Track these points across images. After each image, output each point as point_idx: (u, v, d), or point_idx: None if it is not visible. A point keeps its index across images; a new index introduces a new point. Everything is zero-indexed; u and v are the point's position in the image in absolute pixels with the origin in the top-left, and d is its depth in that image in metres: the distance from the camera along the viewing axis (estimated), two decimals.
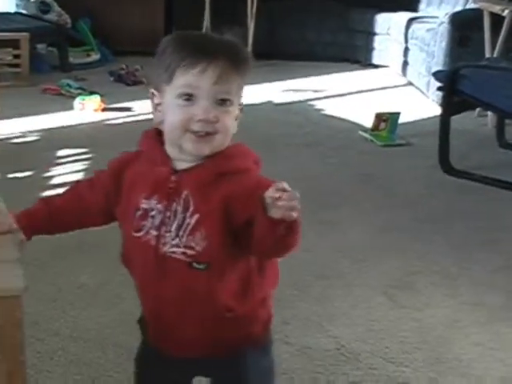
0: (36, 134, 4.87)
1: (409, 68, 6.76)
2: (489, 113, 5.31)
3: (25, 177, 3.99)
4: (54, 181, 3.96)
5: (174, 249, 1.46)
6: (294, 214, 1.31)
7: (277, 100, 6.13)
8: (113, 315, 2.65)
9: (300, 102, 6.13)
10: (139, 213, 1.49)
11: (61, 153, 4.48)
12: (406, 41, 6.73)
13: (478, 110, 5.45)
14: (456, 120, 4.46)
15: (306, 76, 7.00)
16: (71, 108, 5.50)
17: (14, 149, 4.38)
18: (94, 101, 5.52)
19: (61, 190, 1.71)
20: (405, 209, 3.82)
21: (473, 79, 4.21)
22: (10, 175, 3.62)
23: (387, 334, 2.62)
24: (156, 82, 1.49)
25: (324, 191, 4.03)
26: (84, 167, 4.19)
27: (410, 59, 6.71)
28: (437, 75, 4.64)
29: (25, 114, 5.24)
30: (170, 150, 1.49)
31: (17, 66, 6.33)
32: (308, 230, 3.35)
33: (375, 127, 5.05)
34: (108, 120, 5.33)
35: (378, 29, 7.41)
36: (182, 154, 1.47)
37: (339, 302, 2.84)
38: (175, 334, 1.54)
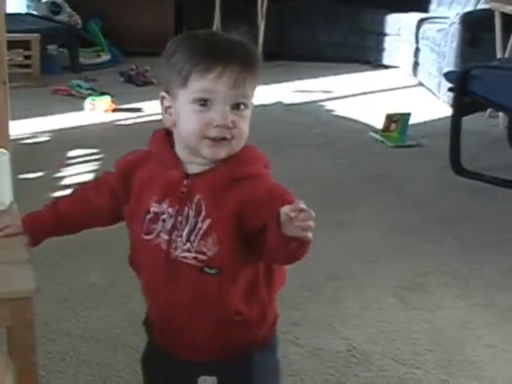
0: (47, 134, 4.89)
1: (419, 68, 6.74)
2: (500, 113, 5.29)
3: (36, 177, 4.00)
4: (65, 181, 3.96)
5: (186, 253, 1.45)
6: (309, 235, 1.31)
7: (287, 101, 6.13)
8: (122, 315, 2.65)
9: (310, 102, 6.13)
10: (149, 216, 1.49)
11: (71, 153, 4.49)
12: (417, 41, 6.72)
13: (489, 110, 5.43)
14: (467, 121, 4.44)
15: (316, 77, 7.00)
16: (82, 109, 5.51)
17: (25, 149, 4.39)
18: (105, 101, 5.53)
19: (71, 191, 1.72)
20: (416, 210, 3.81)
21: (484, 80, 4.20)
22: (21, 176, 3.62)
23: (398, 336, 2.61)
24: (166, 84, 1.47)
25: (335, 192, 4.02)
26: (94, 168, 4.19)
27: (420, 60, 6.70)
28: (448, 76, 4.63)
29: (35, 115, 5.26)
30: (180, 152, 1.48)
31: (28, 66, 6.35)
32: (319, 230, 3.32)
33: (386, 128, 5.04)
34: (118, 120, 5.34)
35: (388, 29, 7.40)
36: (195, 158, 1.46)
37: (350, 303, 2.83)
38: (185, 337, 1.53)
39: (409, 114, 5.07)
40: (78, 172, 4.11)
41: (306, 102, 6.11)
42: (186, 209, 1.45)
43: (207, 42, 1.43)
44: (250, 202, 1.41)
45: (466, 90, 4.27)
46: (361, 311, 2.78)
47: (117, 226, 1.66)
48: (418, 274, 3.09)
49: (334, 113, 5.81)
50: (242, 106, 1.44)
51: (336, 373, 2.39)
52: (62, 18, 7.22)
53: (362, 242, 3.39)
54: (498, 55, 5.32)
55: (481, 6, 6.41)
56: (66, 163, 4.31)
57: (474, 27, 5.80)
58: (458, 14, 5.98)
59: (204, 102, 1.41)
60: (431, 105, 6.00)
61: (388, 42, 7.46)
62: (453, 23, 5.88)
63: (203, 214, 1.44)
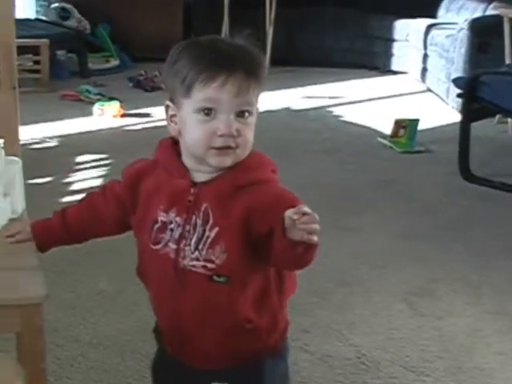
0: (55, 139, 4.90)
1: (428, 74, 6.73)
2: (509, 119, 5.28)
3: (45, 182, 4.00)
4: (74, 186, 3.97)
5: (194, 262, 1.44)
6: (315, 238, 1.30)
7: (295, 106, 6.13)
8: (131, 322, 2.65)
9: (318, 108, 6.13)
10: (157, 225, 1.48)
11: (80, 159, 4.49)
12: (425, 47, 6.71)
13: (497, 116, 5.42)
14: (476, 127, 4.42)
15: (323, 82, 7.00)
16: (90, 114, 5.52)
17: (34, 155, 4.39)
18: (113, 107, 5.54)
19: (80, 196, 1.73)
20: (424, 216, 3.80)
21: (493, 86, 4.19)
22: (30, 181, 3.62)
23: (408, 343, 2.60)
24: (171, 92, 1.47)
25: (343, 197, 4.01)
26: (103, 173, 4.20)
27: (429, 65, 6.69)
28: (456, 82, 4.62)
29: (44, 120, 5.27)
30: (187, 161, 1.48)
31: (37, 72, 6.36)
32: (327, 236, 3.36)
33: (394, 134, 5.03)
34: (127, 126, 5.34)
35: (396, 35, 7.40)
36: (201, 166, 1.45)
37: (359, 309, 2.82)
38: (194, 346, 1.53)
39: (417, 120, 5.07)
40: (87, 177, 4.12)
41: (314, 108, 6.11)
42: (194, 217, 1.45)
43: (210, 50, 1.42)
44: (256, 207, 1.41)
45: (475, 96, 4.25)
46: (370, 318, 2.77)
47: (125, 234, 1.65)
48: (428, 281, 3.08)
49: (341, 118, 5.81)
50: (247, 114, 1.43)
51: (345, 380, 2.38)
52: (70, 23, 7.25)
53: (370, 247, 3.38)
54: (507, 61, 5.30)
55: (489, 12, 6.39)
56: (74, 168, 4.31)
57: (483, 33, 5.79)
58: (466, 20, 5.97)
59: (208, 112, 1.40)
60: (440, 111, 5.99)
61: (396, 48, 7.46)
62: (461, 29, 5.87)
63: (211, 222, 1.43)
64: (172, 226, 1.47)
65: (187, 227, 1.45)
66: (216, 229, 1.43)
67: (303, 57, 7.67)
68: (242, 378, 1.58)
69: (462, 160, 4.34)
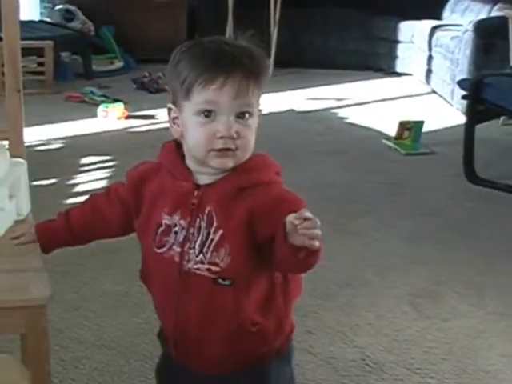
0: (60, 141, 4.90)
1: (433, 76, 6.73)
2: None
3: (49, 184, 4.01)
4: (79, 188, 3.97)
5: (199, 265, 1.44)
6: (316, 243, 1.28)
7: (299, 108, 6.12)
8: (135, 323, 2.65)
9: (323, 110, 6.12)
10: (161, 229, 1.48)
11: (85, 160, 4.50)
12: (430, 49, 6.70)
13: (502, 118, 5.41)
14: (480, 129, 4.42)
15: (328, 84, 6.99)
16: (95, 115, 5.52)
17: (39, 156, 4.39)
18: (118, 108, 5.54)
19: (85, 198, 1.73)
20: (429, 217, 3.79)
21: (497, 87, 4.19)
22: (35, 183, 3.62)
23: (412, 345, 2.60)
24: (173, 94, 1.46)
25: (348, 199, 4.01)
26: (108, 175, 4.20)
27: (433, 67, 6.68)
28: (461, 84, 4.62)
29: (49, 122, 5.28)
30: (190, 163, 1.47)
31: (41, 73, 6.37)
32: (332, 238, 3.37)
33: (399, 136, 5.03)
34: (131, 127, 5.35)
35: (401, 37, 7.39)
36: (204, 168, 1.45)
37: (364, 311, 2.82)
38: (199, 350, 1.52)
39: (422, 122, 5.06)
40: (92, 179, 4.12)
41: (318, 110, 6.10)
42: (198, 220, 1.44)
43: (210, 52, 1.41)
44: (258, 209, 1.41)
45: (480, 98, 4.25)
46: (374, 320, 2.76)
47: (130, 236, 1.65)
48: (432, 283, 3.07)
49: (346, 120, 5.80)
50: (247, 115, 1.42)
51: (350, 382, 2.37)
52: (75, 25, 7.25)
53: (375, 249, 3.38)
54: None
55: (494, 14, 6.39)
56: (79, 170, 4.32)
57: (488, 35, 5.78)
58: (471, 22, 5.96)
59: (208, 114, 1.40)
60: (444, 112, 5.99)
61: (401, 50, 7.45)
62: (466, 31, 5.87)
63: (215, 224, 1.43)
64: (176, 229, 1.46)
65: (191, 230, 1.45)
66: (220, 231, 1.42)
67: (308, 58, 7.67)
68: (246, 383, 1.57)
69: (466, 162, 4.34)
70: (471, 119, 4.39)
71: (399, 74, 7.51)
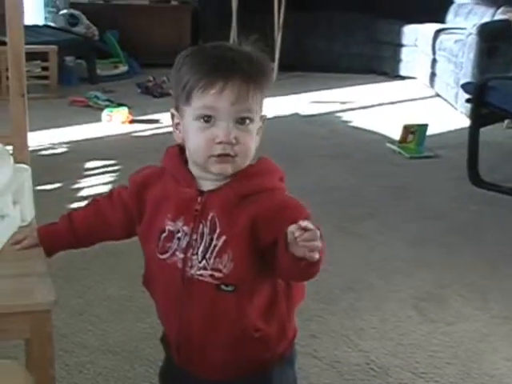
0: (64, 145, 4.91)
1: (436, 79, 6.73)
2: None
3: (54, 188, 4.01)
4: (83, 192, 3.97)
5: (202, 271, 1.43)
6: (316, 256, 1.28)
7: (303, 112, 6.12)
8: (140, 328, 2.64)
9: (327, 113, 6.12)
10: (164, 234, 1.47)
11: (89, 164, 4.50)
12: (434, 52, 6.70)
13: (506, 121, 5.41)
14: (484, 132, 4.42)
15: (332, 88, 7.00)
16: (99, 120, 5.53)
17: (43, 161, 4.40)
18: (122, 113, 5.55)
19: (86, 203, 1.72)
20: (434, 221, 3.79)
21: (501, 91, 4.18)
22: (39, 187, 3.63)
23: (417, 349, 2.59)
24: (175, 100, 1.46)
25: (352, 203, 4.01)
26: (112, 179, 4.20)
27: (437, 70, 6.69)
28: (465, 87, 4.61)
29: (53, 126, 5.28)
30: (193, 169, 1.47)
31: (45, 78, 6.39)
32: (336, 242, 3.37)
33: (403, 139, 5.02)
34: (136, 132, 5.35)
35: (405, 40, 7.40)
36: (206, 174, 1.44)
37: (368, 315, 2.82)
38: (202, 356, 1.52)
39: (426, 125, 5.06)
40: (96, 183, 4.12)
41: (323, 113, 6.10)
42: (201, 226, 1.44)
43: (211, 57, 1.41)
44: (261, 216, 1.40)
45: (484, 101, 4.25)
46: (379, 324, 2.76)
47: (134, 239, 1.65)
48: (436, 286, 3.07)
49: (350, 124, 5.81)
50: (248, 121, 1.41)
51: None
52: (79, 29, 7.27)
53: (379, 253, 3.38)
54: None
55: (498, 17, 6.40)
56: (83, 174, 4.32)
57: (491, 38, 5.79)
58: (475, 25, 5.97)
59: (208, 119, 1.39)
60: (448, 116, 5.99)
61: (405, 53, 7.46)
62: (470, 34, 5.87)
63: (218, 230, 1.42)
64: (179, 234, 1.46)
65: (194, 236, 1.44)
66: (223, 237, 1.42)
67: (312, 62, 7.67)
68: None
69: (470, 165, 4.34)
70: (475, 122, 4.38)
71: (403, 78, 7.51)
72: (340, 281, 3.06)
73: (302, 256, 1.28)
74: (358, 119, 5.91)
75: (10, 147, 2.14)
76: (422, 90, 7.00)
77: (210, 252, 1.43)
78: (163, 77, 6.41)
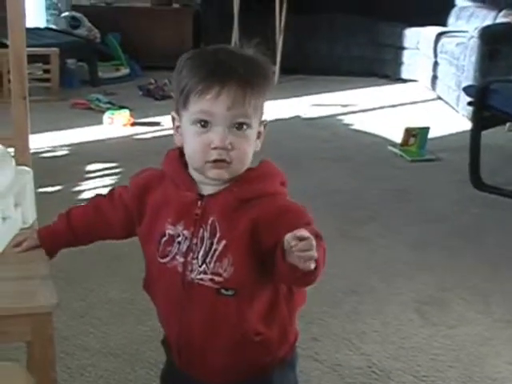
0: (66, 148, 4.91)
1: (438, 82, 6.73)
2: None
3: (55, 191, 4.01)
4: (84, 195, 3.97)
5: (202, 275, 1.43)
6: (311, 266, 1.28)
7: (305, 115, 6.13)
8: (141, 331, 2.64)
9: (328, 116, 6.12)
10: (165, 238, 1.47)
11: (90, 167, 4.50)
12: (436, 55, 6.71)
13: (508, 124, 5.41)
14: (486, 135, 4.42)
15: (334, 91, 7.00)
16: (100, 122, 5.53)
17: (44, 163, 4.40)
18: (123, 115, 5.55)
19: (85, 202, 1.72)
20: (435, 224, 3.78)
21: (503, 94, 4.18)
22: (40, 189, 3.63)
23: (419, 352, 2.59)
24: (175, 103, 1.46)
25: (353, 206, 4.00)
26: (113, 181, 4.20)
27: (439, 73, 6.69)
28: (467, 90, 4.62)
29: (54, 129, 5.29)
30: (193, 173, 1.47)
31: (47, 80, 6.39)
32: (338, 245, 3.36)
33: (405, 142, 5.02)
34: (137, 134, 5.35)
35: (406, 43, 7.40)
36: (205, 178, 1.44)
37: (370, 318, 2.81)
38: (202, 360, 1.51)
39: (427, 128, 5.06)
40: (97, 186, 4.12)
41: (324, 116, 6.11)
42: (201, 230, 1.43)
43: (209, 61, 1.40)
44: (262, 220, 1.40)
45: (486, 104, 4.25)
46: (380, 327, 2.76)
47: (136, 242, 1.65)
48: (438, 289, 3.07)
49: (351, 127, 5.80)
50: (245, 126, 1.40)
51: None
52: (81, 32, 7.28)
53: (380, 256, 3.37)
54: None
55: (499, 20, 6.40)
56: (85, 177, 4.32)
57: (493, 41, 5.78)
58: (476, 28, 5.97)
59: (204, 124, 1.39)
60: (450, 119, 5.99)
61: (406, 56, 7.46)
62: (472, 37, 5.87)
63: (218, 235, 1.42)
64: (179, 239, 1.46)
65: (194, 240, 1.44)
66: (223, 242, 1.42)
67: (313, 65, 7.67)
68: None
69: (472, 168, 4.33)
70: (477, 125, 4.38)
71: (405, 81, 7.51)
72: (342, 284, 3.06)
73: (299, 265, 1.28)
74: (359, 122, 5.91)
75: (11, 149, 2.13)
76: (423, 93, 7.00)
77: (210, 256, 1.42)
78: (165, 79, 6.41)
